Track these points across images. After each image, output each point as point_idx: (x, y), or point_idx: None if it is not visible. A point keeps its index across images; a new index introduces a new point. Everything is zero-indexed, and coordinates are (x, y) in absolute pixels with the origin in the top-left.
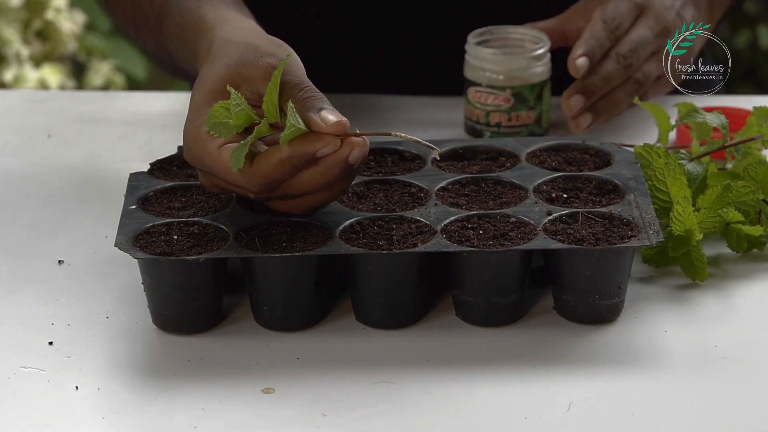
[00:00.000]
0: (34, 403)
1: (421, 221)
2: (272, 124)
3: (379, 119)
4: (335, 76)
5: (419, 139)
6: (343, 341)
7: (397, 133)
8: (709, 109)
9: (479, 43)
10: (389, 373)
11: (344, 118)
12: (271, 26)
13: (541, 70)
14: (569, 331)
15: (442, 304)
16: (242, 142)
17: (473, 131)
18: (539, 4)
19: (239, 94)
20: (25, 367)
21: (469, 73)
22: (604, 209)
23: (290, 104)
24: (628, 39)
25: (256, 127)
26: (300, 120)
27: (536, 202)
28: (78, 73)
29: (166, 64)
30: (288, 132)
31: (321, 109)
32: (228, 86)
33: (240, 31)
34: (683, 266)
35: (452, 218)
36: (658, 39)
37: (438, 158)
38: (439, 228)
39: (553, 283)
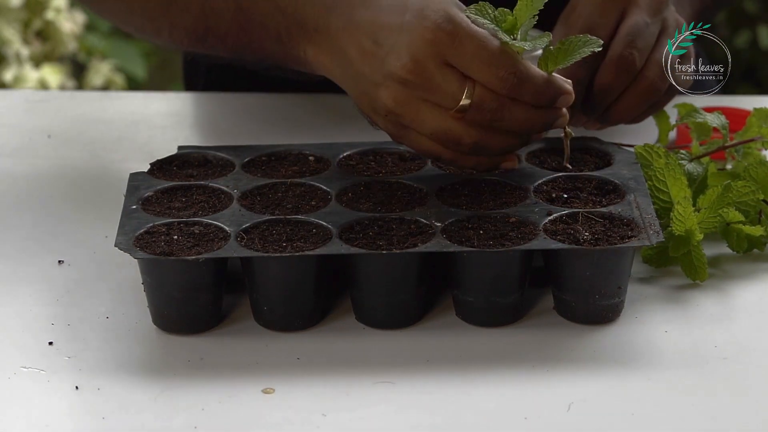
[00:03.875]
0: (34, 403)
1: (421, 221)
2: None
3: None
4: None
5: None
6: (343, 341)
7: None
8: (709, 109)
9: None
10: (389, 373)
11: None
12: None
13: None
14: (569, 331)
15: (442, 304)
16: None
17: None
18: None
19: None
20: (25, 367)
21: None
22: (604, 209)
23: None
24: (622, 32)
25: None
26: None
27: (536, 202)
28: (78, 73)
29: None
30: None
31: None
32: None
33: None
34: (683, 266)
35: (452, 218)
36: (654, 24)
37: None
38: (439, 228)
39: (553, 284)
